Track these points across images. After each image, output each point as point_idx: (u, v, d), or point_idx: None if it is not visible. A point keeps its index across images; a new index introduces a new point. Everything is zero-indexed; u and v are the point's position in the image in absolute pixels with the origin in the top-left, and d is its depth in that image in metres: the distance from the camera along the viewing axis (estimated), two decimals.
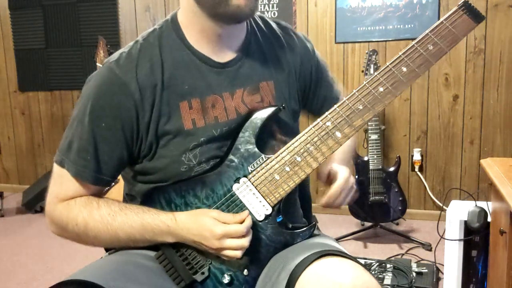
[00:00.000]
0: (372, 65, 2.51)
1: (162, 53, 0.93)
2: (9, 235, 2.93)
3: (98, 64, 2.78)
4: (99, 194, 0.97)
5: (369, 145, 2.55)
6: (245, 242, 0.87)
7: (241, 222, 0.88)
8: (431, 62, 0.86)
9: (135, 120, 0.91)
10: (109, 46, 2.89)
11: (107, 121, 0.90)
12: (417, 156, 2.91)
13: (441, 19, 0.85)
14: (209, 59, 0.95)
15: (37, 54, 3.63)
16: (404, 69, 0.87)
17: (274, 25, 1.06)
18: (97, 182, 0.93)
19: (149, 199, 0.95)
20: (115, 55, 0.94)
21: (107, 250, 1.07)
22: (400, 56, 0.87)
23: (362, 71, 2.61)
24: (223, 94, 0.96)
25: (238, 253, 0.88)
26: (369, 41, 2.91)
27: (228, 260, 0.92)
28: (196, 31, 0.94)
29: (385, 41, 2.88)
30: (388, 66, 0.88)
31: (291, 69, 1.04)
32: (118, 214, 0.91)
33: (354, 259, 0.86)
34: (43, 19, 3.57)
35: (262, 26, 1.04)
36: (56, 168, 0.94)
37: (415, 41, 0.86)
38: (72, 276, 0.83)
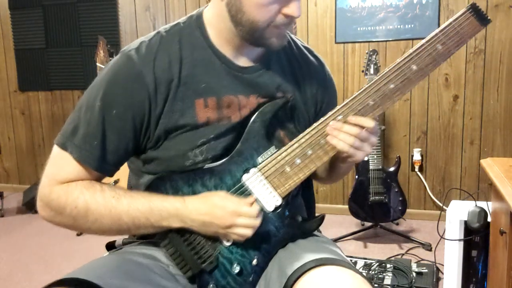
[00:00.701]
0: (372, 65, 2.51)
1: (182, 49, 0.93)
2: (9, 234, 2.93)
3: (98, 64, 2.78)
4: (99, 181, 0.95)
5: None
6: (257, 221, 0.88)
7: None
8: (439, 61, 0.87)
9: (147, 112, 0.90)
10: (109, 46, 2.89)
11: (118, 109, 0.89)
12: (417, 156, 2.91)
13: (450, 20, 0.85)
14: (229, 61, 0.95)
15: (37, 54, 3.63)
16: (414, 67, 0.87)
17: (298, 43, 1.06)
18: (100, 169, 0.91)
19: (155, 188, 0.94)
20: (135, 43, 0.93)
21: (108, 249, 1.07)
22: (410, 54, 0.87)
23: (362, 71, 2.61)
24: (238, 96, 0.95)
25: (249, 232, 0.88)
26: (369, 41, 2.91)
27: (236, 250, 0.92)
28: (221, 35, 0.94)
29: (385, 41, 2.88)
30: (399, 63, 0.88)
31: (306, 88, 1.03)
32: (123, 197, 0.89)
33: (353, 267, 0.84)
34: (43, 19, 3.57)
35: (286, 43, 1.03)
36: (56, 150, 0.91)
37: (425, 39, 0.86)
38: (70, 274, 0.82)
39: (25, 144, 3.84)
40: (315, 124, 0.91)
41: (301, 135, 0.91)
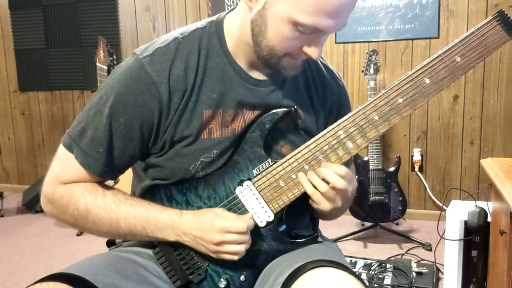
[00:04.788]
0: (372, 65, 2.51)
1: (199, 57, 0.90)
2: (9, 235, 2.93)
3: (98, 64, 2.78)
4: (103, 182, 0.95)
5: (369, 145, 2.55)
6: (245, 237, 0.86)
7: None
8: (457, 75, 0.80)
9: (156, 121, 0.89)
10: (109, 46, 2.89)
11: (126, 117, 0.87)
12: (417, 156, 2.91)
13: (472, 29, 0.78)
14: (244, 72, 0.92)
15: (37, 54, 3.63)
16: (427, 80, 0.81)
17: (318, 63, 1.02)
18: (104, 175, 0.91)
19: (150, 194, 0.94)
20: (150, 48, 0.89)
21: (109, 245, 1.07)
22: (424, 65, 0.81)
23: (362, 71, 2.61)
24: (245, 111, 0.92)
25: (240, 248, 0.86)
26: (369, 41, 2.91)
27: (226, 263, 0.91)
28: (239, 45, 0.91)
29: (385, 41, 2.88)
30: (410, 75, 0.82)
31: (319, 107, 1.00)
32: (123, 203, 0.90)
33: (349, 269, 0.83)
34: (43, 19, 3.57)
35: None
36: (62, 150, 0.91)
37: (442, 50, 0.80)
38: (63, 269, 0.82)
39: (25, 144, 3.84)
40: (314, 138, 0.88)
41: (299, 149, 0.88)
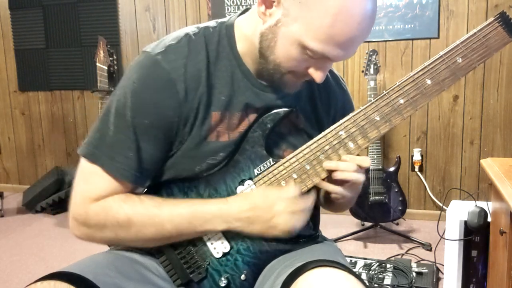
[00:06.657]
0: (372, 65, 2.51)
1: (209, 57, 0.88)
2: (9, 235, 2.93)
3: (98, 64, 2.78)
4: (133, 192, 0.91)
5: (369, 145, 2.54)
6: (301, 204, 0.86)
7: None
8: (458, 76, 0.80)
9: (176, 120, 0.87)
10: (109, 46, 2.89)
11: (150, 118, 0.85)
12: (417, 156, 2.92)
13: (474, 30, 0.79)
14: (252, 76, 0.91)
15: (37, 54, 3.63)
16: (429, 81, 0.81)
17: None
18: (136, 181, 0.88)
19: (151, 194, 0.93)
20: (160, 45, 0.87)
21: (109, 245, 1.06)
22: (425, 66, 0.81)
23: (362, 71, 2.61)
24: (250, 114, 0.92)
25: (300, 217, 0.86)
26: (369, 41, 2.91)
27: (227, 262, 0.91)
28: (248, 49, 0.89)
29: (385, 41, 2.88)
30: (411, 76, 0.82)
31: (323, 113, 1.00)
32: (163, 205, 0.87)
33: (349, 269, 0.83)
34: (43, 19, 3.57)
35: None
36: (85, 164, 0.87)
37: (443, 51, 0.80)
38: (64, 268, 0.82)
39: (25, 144, 3.84)
40: (315, 138, 0.88)
41: (300, 149, 0.88)
